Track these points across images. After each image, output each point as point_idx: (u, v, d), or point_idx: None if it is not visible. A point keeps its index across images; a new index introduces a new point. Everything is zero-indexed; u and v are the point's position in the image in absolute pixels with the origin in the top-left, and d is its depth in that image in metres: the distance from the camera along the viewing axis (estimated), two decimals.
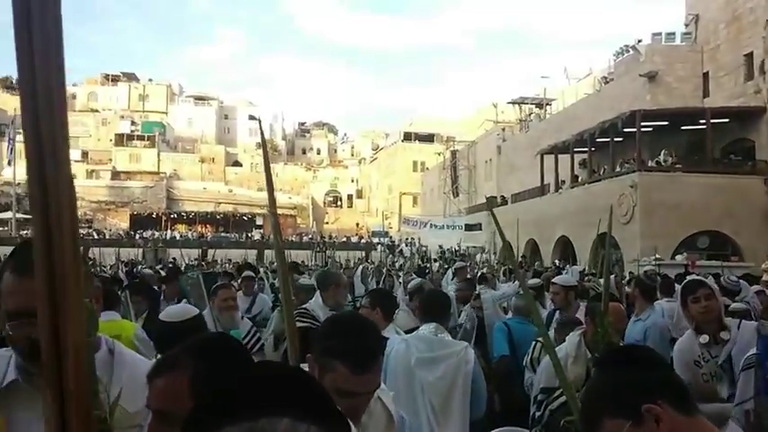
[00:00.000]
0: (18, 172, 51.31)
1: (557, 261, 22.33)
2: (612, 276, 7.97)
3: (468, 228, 32.58)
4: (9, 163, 54.61)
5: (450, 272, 12.22)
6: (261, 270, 10.20)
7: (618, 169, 22.85)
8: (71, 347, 0.35)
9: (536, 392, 3.55)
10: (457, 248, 28.05)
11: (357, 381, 1.67)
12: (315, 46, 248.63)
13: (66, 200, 0.35)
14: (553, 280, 6.10)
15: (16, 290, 1.32)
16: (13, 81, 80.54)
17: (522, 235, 28.50)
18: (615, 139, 22.99)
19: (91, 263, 13.55)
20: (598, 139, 23.92)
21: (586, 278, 9.67)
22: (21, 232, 42.48)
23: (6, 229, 47.23)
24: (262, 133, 1.43)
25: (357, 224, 63.71)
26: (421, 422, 3.27)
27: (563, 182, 26.67)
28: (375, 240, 46.22)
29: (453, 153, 46.53)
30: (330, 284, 4.75)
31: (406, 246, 34.75)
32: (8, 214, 50.33)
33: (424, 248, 22.46)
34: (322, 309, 4.38)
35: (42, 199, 0.36)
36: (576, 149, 25.88)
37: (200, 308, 4.23)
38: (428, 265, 16.25)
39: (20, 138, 57.55)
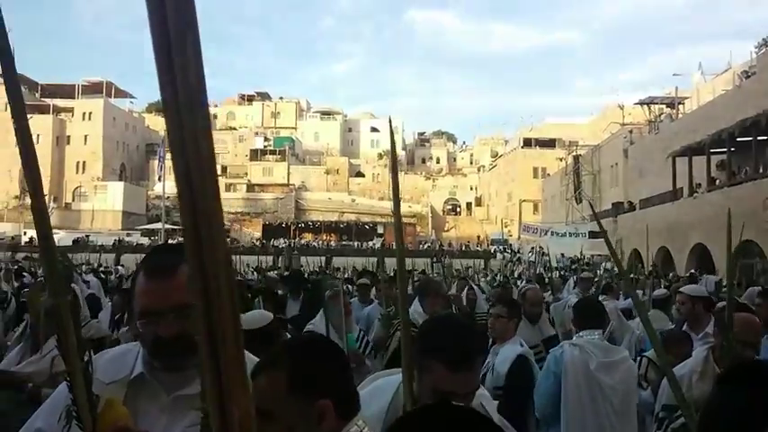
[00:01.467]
0: (167, 186, 56.54)
1: (693, 270, 20.90)
2: (749, 289, 7.40)
3: (593, 235, 31.29)
4: (159, 179, 60.26)
5: (571, 280, 11.88)
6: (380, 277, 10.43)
7: (762, 170, 20.96)
8: (237, 421, 0.36)
9: (657, 410, 3.48)
10: (580, 257, 27.04)
11: (454, 380, 1.63)
12: (434, 56, 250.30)
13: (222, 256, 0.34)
14: (680, 289, 5.80)
15: (146, 291, 1.42)
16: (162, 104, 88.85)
17: (653, 243, 26.95)
18: (758, 138, 21.13)
19: None
20: (738, 139, 22.10)
21: (724, 289, 9.03)
22: (169, 240, 46.72)
23: (156, 238, 52.12)
24: (391, 133, 1.67)
25: (478, 237, 63.01)
26: (602, 423, 3.47)
27: (698, 185, 24.89)
28: (500, 248, 45.60)
29: (576, 158, 44.89)
30: (429, 292, 4.68)
31: (530, 253, 33.97)
32: (158, 225, 55.53)
33: (546, 257, 21.88)
34: (422, 317, 4.22)
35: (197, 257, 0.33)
36: (712, 150, 24.07)
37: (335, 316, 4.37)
38: (549, 275, 15.85)
39: (168, 156, 63.44)
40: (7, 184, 65.65)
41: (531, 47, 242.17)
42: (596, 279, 11.21)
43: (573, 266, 24.81)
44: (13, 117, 0.81)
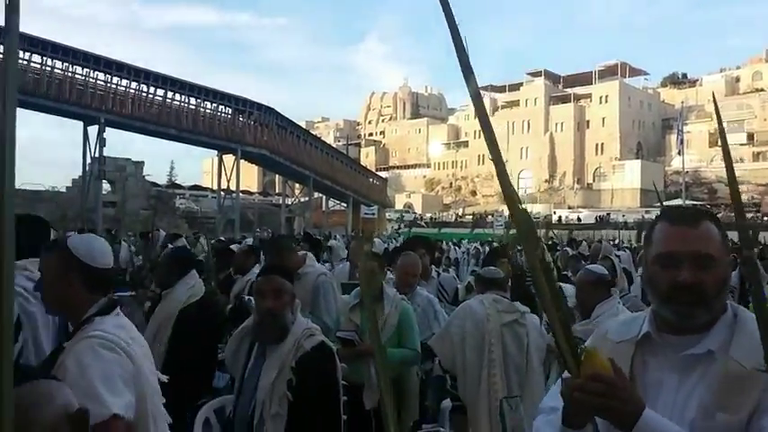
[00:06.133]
0: (686, 160, 54.37)
1: None
2: None
3: None
4: (679, 153, 58.60)
5: None
6: None
7: None
8: None
9: None
10: None
11: None
12: None
13: None
14: None
15: (667, 236, 1.43)
16: (679, 76, 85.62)
17: None
18: None
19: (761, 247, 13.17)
20: None
21: None
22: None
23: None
24: None
25: None
26: None
27: None
28: None
29: None
30: None
31: None
32: (678, 201, 54.12)
33: None
34: None
35: None
36: None
37: None
38: None
39: (686, 129, 60.92)
40: (539, 170, 75.16)
41: None
42: None
43: None
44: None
